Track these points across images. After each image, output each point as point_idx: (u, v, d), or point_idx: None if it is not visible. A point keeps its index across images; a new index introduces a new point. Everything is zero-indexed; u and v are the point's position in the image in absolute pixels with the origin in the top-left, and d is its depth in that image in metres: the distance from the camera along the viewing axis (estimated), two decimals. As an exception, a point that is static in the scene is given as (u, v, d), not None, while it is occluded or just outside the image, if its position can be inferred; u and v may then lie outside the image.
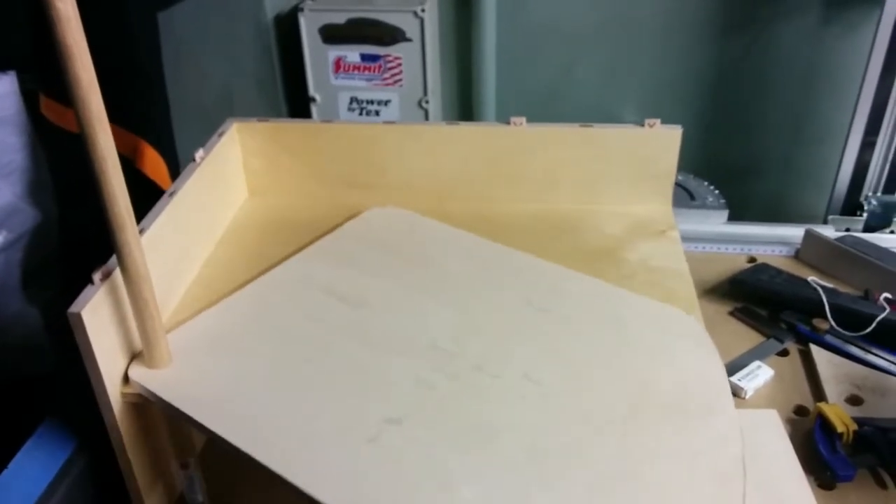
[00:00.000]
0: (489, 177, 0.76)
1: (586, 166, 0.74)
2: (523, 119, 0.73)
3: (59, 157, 1.12)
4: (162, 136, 1.13)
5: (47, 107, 1.08)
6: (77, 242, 1.15)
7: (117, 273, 0.52)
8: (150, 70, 1.11)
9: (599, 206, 0.74)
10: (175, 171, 1.13)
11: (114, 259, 0.52)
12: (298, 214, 0.77)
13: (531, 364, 0.57)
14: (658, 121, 0.71)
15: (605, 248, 0.69)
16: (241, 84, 1.31)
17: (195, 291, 0.66)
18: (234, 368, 0.56)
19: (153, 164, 1.12)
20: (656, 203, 0.74)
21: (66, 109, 1.05)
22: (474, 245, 0.71)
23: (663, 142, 0.71)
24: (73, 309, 0.49)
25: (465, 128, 0.75)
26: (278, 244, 0.71)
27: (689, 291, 0.63)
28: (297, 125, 0.78)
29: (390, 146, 0.77)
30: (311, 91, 1.31)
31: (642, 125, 0.71)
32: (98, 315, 0.51)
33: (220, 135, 0.75)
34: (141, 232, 0.57)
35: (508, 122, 0.74)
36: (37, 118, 1.09)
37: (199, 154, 0.70)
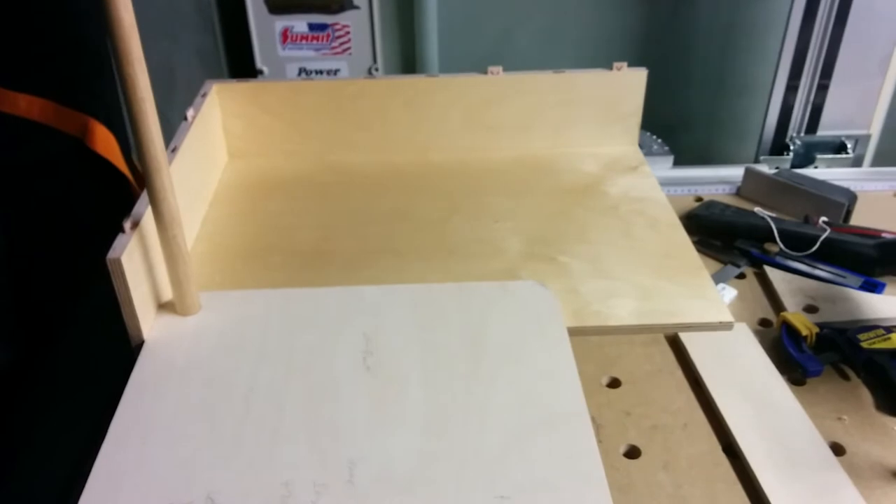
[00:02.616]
0: (469, 126, 0.78)
1: (559, 111, 0.77)
2: (500, 68, 0.76)
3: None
4: (112, 114, 1.10)
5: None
6: (22, 240, 1.11)
7: (144, 223, 0.53)
8: (97, 48, 1.08)
9: (573, 148, 0.78)
10: (126, 149, 1.11)
11: (139, 207, 0.52)
12: (282, 174, 0.78)
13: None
14: (625, 64, 0.75)
15: (586, 185, 0.73)
16: (184, 59, 1.28)
17: (199, 248, 0.66)
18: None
19: (105, 142, 1.09)
20: (625, 142, 0.78)
21: (2, 90, 1.00)
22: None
23: (629, 83, 0.75)
24: (111, 255, 0.49)
25: (445, 79, 0.77)
26: (270, 202, 0.72)
27: (672, 216, 0.68)
28: (278, 84, 0.78)
29: (371, 102, 0.78)
30: (259, 64, 1.29)
31: (610, 69, 0.75)
32: (133, 261, 0.51)
33: (203, 95, 0.75)
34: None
35: (486, 72, 0.76)
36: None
37: (189, 113, 0.69)
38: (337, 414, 0.52)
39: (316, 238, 0.70)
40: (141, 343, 0.55)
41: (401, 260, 0.68)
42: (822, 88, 1.06)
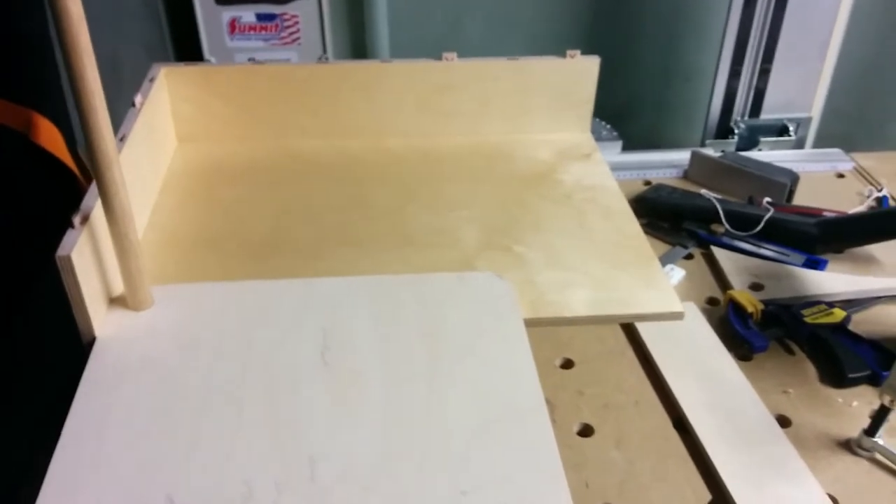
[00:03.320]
0: (424, 112, 0.78)
1: (513, 98, 0.77)
2: (454, 54, 0.75)
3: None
4: (57, 108, 1.07)
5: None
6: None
7: (93, 217, 0.51)
8: (38, 41, 1.05)
9: (527, 134, 0.78)
10: (72, 143, 1.08)
11: (88, 201, 0.50)
12: (234, 159, 0.76)
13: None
14: (578, 52, 0.75)
15: (540, 173, 0.73)
16: (130, 52, 1.24)
17: (150, 237, 0.65)
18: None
19: (49, 136, 1.06)
20: (578, 130, 0.79)
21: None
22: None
23: (582, 71, 0.76)
24: (60, 252, 0.48)
25: (399, 65, 0.77)
26: (222, 189, 0.71)
27: (624, 204, 0.69)
28: (228, 68, 0.77)
29: (324, 86, 0.77)
30: (206, 55, 1.27)
31: (564, 56, 0.76)
32: (83, 257, 0.50)
33: (151, 80, 0.73)
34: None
35: (440, 58, 0.76)
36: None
37: (137, 99, 0.68)
38: (297, 411, 0.52)
39: (270, 227, 0.69)
40: (93, 340, 0.53)
41: (357, 249, 0.68)
42: (765, 73, 1.09)
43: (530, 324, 0.61)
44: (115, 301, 0.56)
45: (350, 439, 0.50)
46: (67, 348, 0.56)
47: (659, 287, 0.67)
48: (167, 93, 0.77)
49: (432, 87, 0.77)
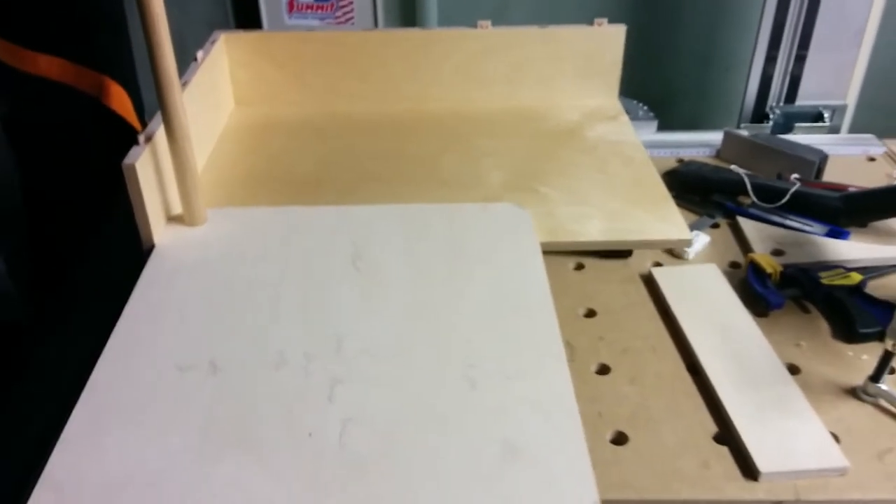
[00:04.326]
0: (461, 77, 0.82)
1: (544, 64, 0.81)
2: (488, 22, 0.79)
3: (17, 102, 1.11)
4: (127, 74, 1.13)
5: (2, 49, 1.07)
6: (40, 191, 1.14)
7: (156, 138, 0.56)
8: (112, 11, 1.12)
9: (557, 100, 0.82)
10: (140, 112, 1.14)
11: (153, 125, 0.55)
12: (285, 119, 0.81)
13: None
14: (605, 20, 0.78)
15: (567, 130, 0.76)
16: (194, 28, 1.31)
17: (206, 177, 0.70)
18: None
19: (120, 99, 1.12)
20: (605, 95, 0.82)
21: (23, 50, 1.04)
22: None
23: (609, 38, 0.79)
24: (126, 161, 0.53)
25: (438, 32, 0.81)
26: (272, 141, 0.75)
27: (644, 155, 0.71)
28: (283, 35, 0.82)
29: (370, 53, 0.81)
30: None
31: (591, 24, 0.79)
32: (146, 169, 0.55)
33: (212, 42, 0.78)
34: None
35: (476, 26, 0.80)
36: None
37: (199, 54, 0.73)
38: (327, 302, 0.57)
39: (314, 170, 0.74)
40: (151, 247, 0.59)
41: (391, 188, 0.73)
42: (800, 60, 1.09)
43: (547, 248, 0.64)
44: (172, 219, 0.61)
45: (373, 323, 0.55)
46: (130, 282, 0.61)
47: (669, 220, 0.70)
48: (227, 57, 0.82)
49: (468, 54, 0.81)
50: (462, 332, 0.56)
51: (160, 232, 0.60)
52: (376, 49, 0.81)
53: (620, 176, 0.74)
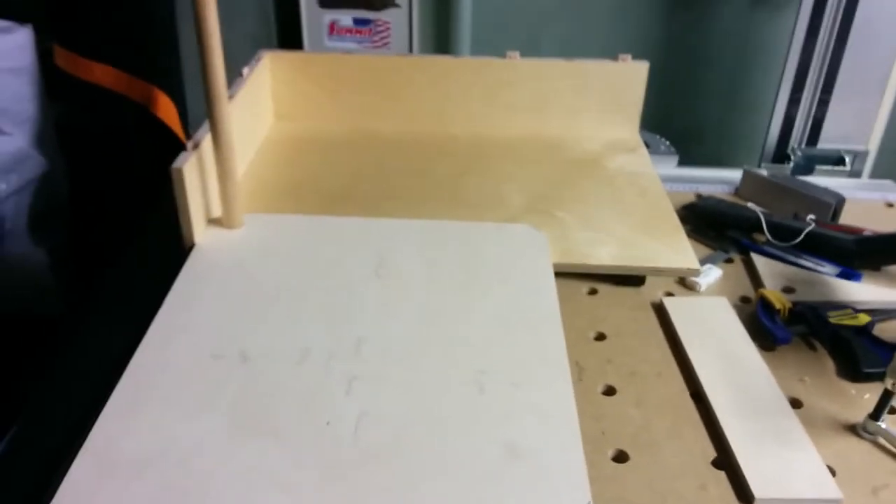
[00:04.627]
0: (487, 105, 0.85)
1: (568, 96, 0.84)
2: (517, 53, 0.82)
3: (71, 107, 1.16)
4: (174, 86, 1.18)
5: (61, 56, 1.12)
6: (85, 193, 1.19)
7: (202, 145, 0.60)
8: (164, 23, 1.17)
9: (579, 131, 0.85)
10: (185, 121, 1.19)
11: (200, 133, 0.59)
12: (321, 134, 0.85)
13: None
14: (629, 56, 0.81)
15: (588, 160, 0.79)
16: (240, 44, 1.36)
17: (244, 186, 0.74)
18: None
19: (167, 109, 1.17)
20: (627, 128, 0.85)
21: (80, 58, 1.09)
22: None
23: (632, 74, 0.82)
24: (175, 165, 0.57)
25: (468, 61, 0.84)
26: (307, 155, 0.79)
27: (659, 188, 0.74)
28: (323, 56, 0.86)
29: (403, 76, 0.85)
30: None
31: (616, 59, 0.82)
32: (191, 174, 0.59)
33: (258, 60, 0.83)
34: (211, 119, 0.64)
35: (505, 56, 0.83)
36: (47, 72, 1.13)
37: (245, 70, 0.77)
38: (350, 305, 0.62)
39: (343, 184, 0.78)
40: (192, 246, 0.64)
41: (415, 205, 0.77)
42: (823, 103, 1.11)
43: (559, 268, 0.68)
44: (212, 221, 0.66)
45: (391, 327, 0.60)
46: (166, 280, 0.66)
47: (679, 250, 0.73)
48: (270, 75, 0.87)
49: (496, 83, 0.85)
50: (473, 341, 0.59)
51: (200, 232, 0.65)
52: (409, 73, 0.85)
53: (635, 206, 0.77)
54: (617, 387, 0.65)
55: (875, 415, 0.61)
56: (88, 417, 0.50)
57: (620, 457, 0.59)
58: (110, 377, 0.52)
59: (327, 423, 0.50)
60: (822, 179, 1.04)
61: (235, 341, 0.57)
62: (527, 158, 0.81)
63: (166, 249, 0.66)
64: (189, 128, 1.18)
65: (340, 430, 0.50)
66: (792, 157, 1.14)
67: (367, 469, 0.47)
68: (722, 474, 0.57)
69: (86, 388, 0.56)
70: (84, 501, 0.44)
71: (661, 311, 0.75)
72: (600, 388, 0.65)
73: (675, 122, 1.16)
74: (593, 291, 0.77)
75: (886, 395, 0.59)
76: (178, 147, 1.15)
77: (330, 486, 0.46)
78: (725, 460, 0.58)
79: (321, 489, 0.46)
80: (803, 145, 1.15)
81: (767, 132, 1.15)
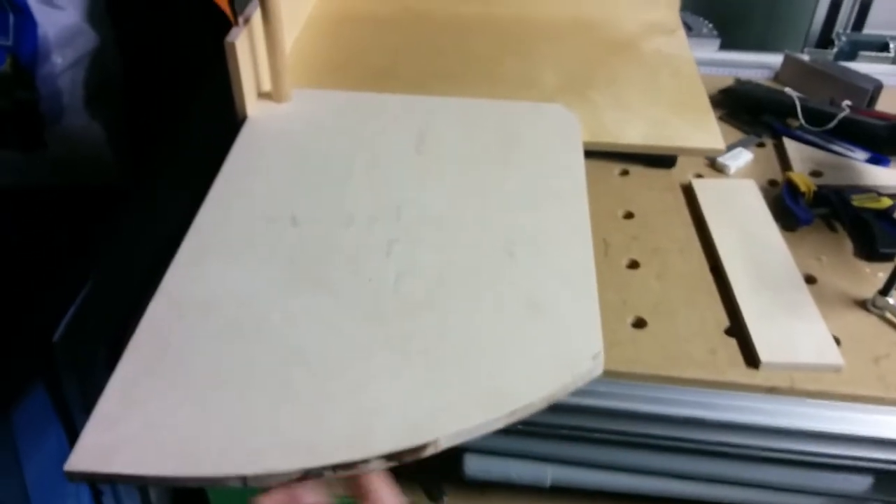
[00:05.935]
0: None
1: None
2: (562, -68, 0.81)
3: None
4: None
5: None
6: (137, 68, 1.21)
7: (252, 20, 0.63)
8: None
9: (618, 12, 0.85)
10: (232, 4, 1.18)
11: (250, 8, 0.61)
12: (364, 13, 0.87)
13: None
14: (673, -67, 0.79)
15: (625, 41, 0.80)
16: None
17: (290, 62, 0.76)
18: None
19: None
20: (667, 10, 0.84)
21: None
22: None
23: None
24: (228, 39, 0.60)
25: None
26: (351, 32, 0.81)
27: (693, 69, 0.74)
28: (367, -67, 0.86)
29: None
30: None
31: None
32: (243, 48, 0.62)
33: (301, -65, 0.83)
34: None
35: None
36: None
37: (289, -53, 0.78)
38: (391, 175, 0.65)
39: (387, 62, 0.80)
40: (244, 118, 0.67)
41: (453, 83, 0.79)
42: (872, -14, 1.07)
43: (590, 147, 0.70)
44: (262, 95, 0.69)
45: (429, 196, 0.63)
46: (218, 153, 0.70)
47: (707, 130, 0.74)
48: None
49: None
50: (504, 211, 0.63)
51: (252, 105, 0.68)
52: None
53: (667, 87, 0.78)
54: (640, 261, 0.69)
55: (885, 290, 0.63)
56: (156, 271, 0.55)
57: (639, 323, 0.62)
58: (176, 235, 0.57)
59: (370, 280, 0.55)
60: (864, 66, 1.02)
61: (287, 206, 0.61)
62: (564, 39, 0.82)
63: (219, 122, 0.70)
64: (235, 6, 1.18)
65: (381, 286, 0.54)
66: (836, 43, 1.11)
67: (403, 317, 0.52)
68: (733, 341, 0.61)
69: (152, 245, 0.61)
70: (161, 335, 0.50)
71: (689, 193, 0.77)
72: (625, 262, 0.69)
73: (718, 5, 1.13)
74: (625, 172, 0.79)
75: (896, 272, 0.62)
76: (225, 22, 1.16)
77: (371, 328, 0.51)
78: (737, 329, 0.62)
79: (364, 329, 0.51)
80: (849, 30, 1.11)
81: (813, 16, 1.11)
